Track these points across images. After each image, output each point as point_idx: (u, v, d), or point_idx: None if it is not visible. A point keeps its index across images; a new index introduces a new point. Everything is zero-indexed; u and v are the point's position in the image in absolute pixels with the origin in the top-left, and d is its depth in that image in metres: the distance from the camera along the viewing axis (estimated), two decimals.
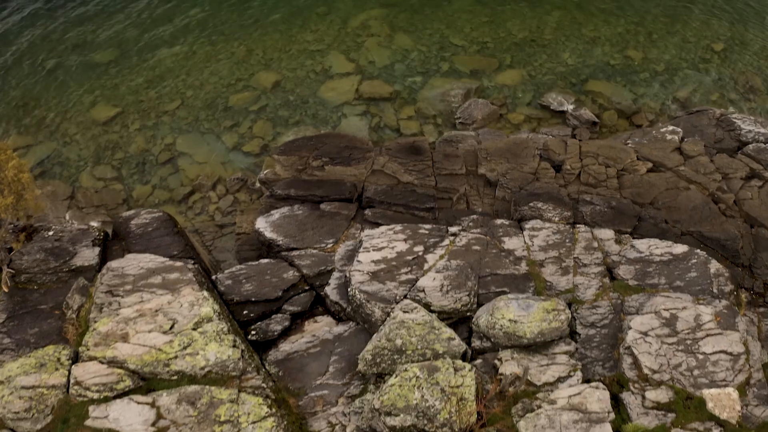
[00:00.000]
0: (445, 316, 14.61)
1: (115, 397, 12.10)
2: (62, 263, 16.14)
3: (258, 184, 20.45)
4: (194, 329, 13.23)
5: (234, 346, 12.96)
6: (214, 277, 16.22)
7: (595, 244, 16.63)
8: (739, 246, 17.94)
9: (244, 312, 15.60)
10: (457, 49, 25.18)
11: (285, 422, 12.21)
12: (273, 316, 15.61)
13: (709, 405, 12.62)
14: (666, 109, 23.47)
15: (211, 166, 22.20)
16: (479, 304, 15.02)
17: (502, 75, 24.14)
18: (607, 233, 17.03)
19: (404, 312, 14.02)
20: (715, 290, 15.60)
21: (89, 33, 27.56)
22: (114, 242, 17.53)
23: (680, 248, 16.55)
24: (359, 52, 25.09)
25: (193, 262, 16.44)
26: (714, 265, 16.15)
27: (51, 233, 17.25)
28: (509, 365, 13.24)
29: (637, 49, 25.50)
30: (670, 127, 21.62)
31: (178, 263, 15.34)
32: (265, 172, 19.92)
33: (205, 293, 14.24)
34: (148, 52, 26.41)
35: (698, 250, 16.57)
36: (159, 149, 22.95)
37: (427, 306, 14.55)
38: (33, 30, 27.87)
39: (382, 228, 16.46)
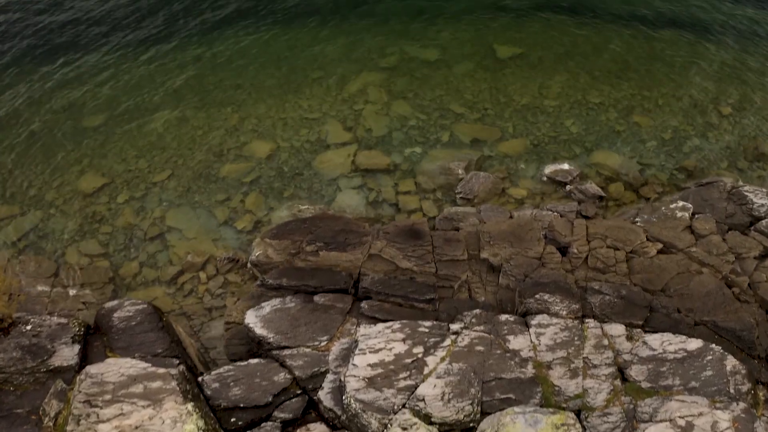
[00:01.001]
0: (446, 428, 13.64)
1: None
2: (40, 363, 15.29)
3: (249, 266, 19.51)
4: None
5: None
6: (200, 379, 15.22)
7: (606, 342, 15.68)
8: (755, 336, 17.04)
9: (232, 419, 14.62)
10: (458, 116, 24.37)
11: None
12: (263, 425, 14.64)
13: None
14: (674, 180, 22.61)
15: (202, 243, 21.26)
16: (483, 413, 14.04)
17: (504, 145, 23.32)
18: (617, 329, 16.07)
19: (403, 429, 13.06)
20: (732, 390, 14.65)
21: (77, 94, 26.75)
22: (96, 336, 16.62)
23: (694, 344, 15.61)
24: (356, 120, 24.30)
25: (178, 362, 15.51)
26: (730, 362, 15.22)
27: (29, 327, 16.37)
28: None
29: (643, 114, 24.72)
30: (680, 203, 20.76)
31: (161, 370, 14.37)
32: (256, 254, 19.02)
33: (189, 407, 13.31)
34: (138, 116, 25.59)
35: (713, 345, 15.64)
36: (147, 223, 22.02)
37: (428, 417, 13.61)
38: (18, 89, 27.07)
39: (379, 326, 15.52)
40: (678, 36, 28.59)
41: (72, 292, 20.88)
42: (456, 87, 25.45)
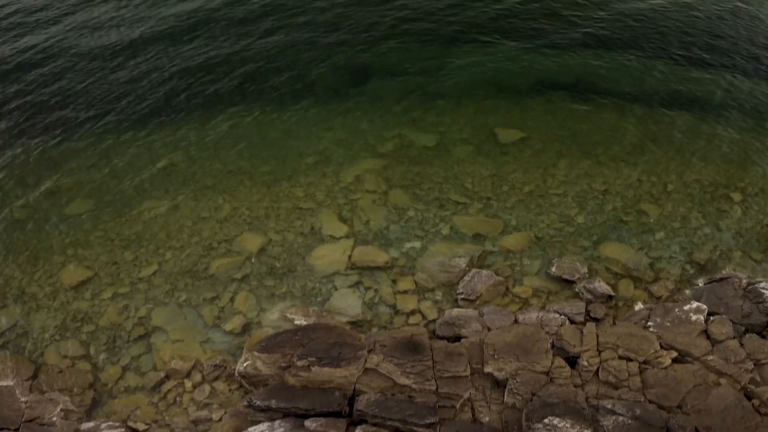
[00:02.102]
0: None
1: None
2: None
3: (237, 375, 18.29)
4: None
5: None
6: None
7: None
8: None
9: None
10: (458, 207, 23.33)
11: None
12: None
13: None
14: (686, 275, 21.49)
15: (188, 346, 20.08)
16: None
17: (507, 239, 22.24)
18: None
19: None
20: None
21: (63, 177, 25.74)
22: None
23: None
24: (352, 211, 23.26)
25: None
26: None
27: None
28: None
29: (650, 202, 23.70)
30: (694, 304, 19.65)
31: None
32: (245, 365, 17.85)
33: None
34: (125, 203, 24.59)
35: None
36: (132, 323, 20.86)
37: None
38: (3, 170, 26.05)
39: None
40: (683, 115, 27.74)
41: (51, 397, 19.68)
42: (456, 174, 24.46)
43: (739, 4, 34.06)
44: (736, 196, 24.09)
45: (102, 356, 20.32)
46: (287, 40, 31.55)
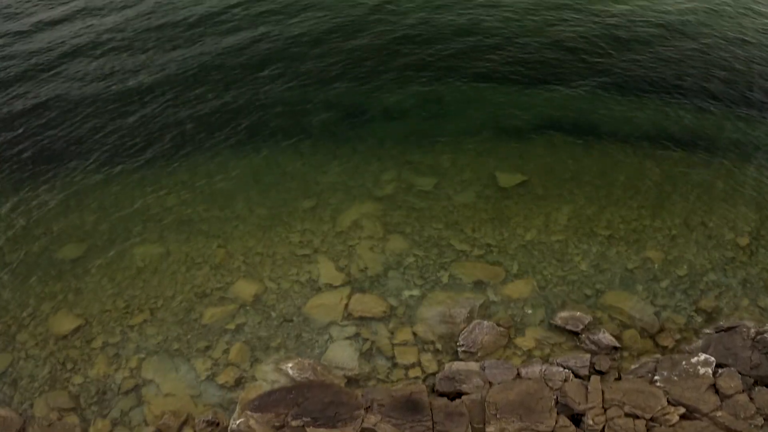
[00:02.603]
0: None
1: None
2: None
3: None
4: None
5: None
6: None
7: None
8: None
9: None
10: (458, 254, 22.78)
11: None
12: None
13: None
14: (692, 323, 20.93)
15: (180, 400, 19.47)
16: None
17: (508, 287, 21.67)
18: None
19: None
20: None
21: (55, 222, 25.20)
22: None
23: None
24: (349, 258, 22.70)
25: None
26: None
27: None
28: None
29: (655, 248, 23.17)
30: (702, 357, 19.12)
31: None
32: (237, 423, 17.29)
33: None
34: (117, 248, 24.05)
35: None
36: (122, 375, 20.27)
37: None
38: None
39: None
40: (688, 156, 27.28)
41: None
42: (456, 219, 23.94)
43: (755, 51, 33.68)
44: (742, 241, 23.58)
45: (91, 409, 19.71)
46: (284, 84, 31.15)
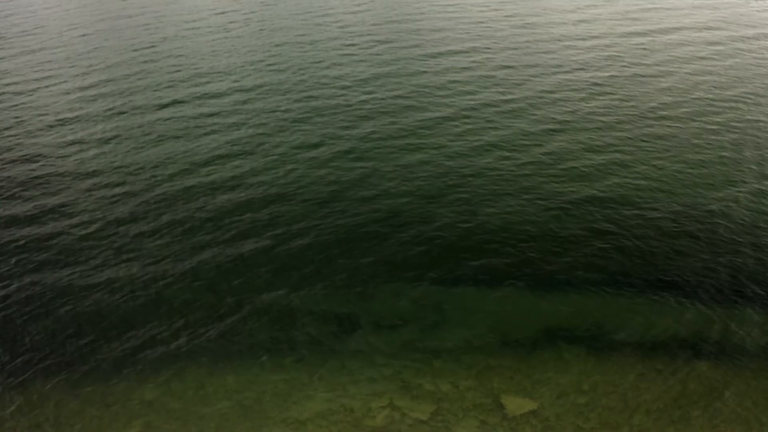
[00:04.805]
0: None
1: None
2: None
3: None
4: None
5: None
6: None
7: None
8: None
9: None
10: None
11: None
12: None
13: None
14: None
15: None
16: None
17: None
18: None
19: None
20: None
21: None
22: None
23: None
24: None
25: None
26: None
27: None
28: None
29: None
30: None
31: None
32: None
33: None
34: None
35: None
36: None
37: None
38: None
39: None
40: (713, 369, 24.24)
41: None
42: None
43: None
44: None
45: None
46: (264, 281, 28.77)
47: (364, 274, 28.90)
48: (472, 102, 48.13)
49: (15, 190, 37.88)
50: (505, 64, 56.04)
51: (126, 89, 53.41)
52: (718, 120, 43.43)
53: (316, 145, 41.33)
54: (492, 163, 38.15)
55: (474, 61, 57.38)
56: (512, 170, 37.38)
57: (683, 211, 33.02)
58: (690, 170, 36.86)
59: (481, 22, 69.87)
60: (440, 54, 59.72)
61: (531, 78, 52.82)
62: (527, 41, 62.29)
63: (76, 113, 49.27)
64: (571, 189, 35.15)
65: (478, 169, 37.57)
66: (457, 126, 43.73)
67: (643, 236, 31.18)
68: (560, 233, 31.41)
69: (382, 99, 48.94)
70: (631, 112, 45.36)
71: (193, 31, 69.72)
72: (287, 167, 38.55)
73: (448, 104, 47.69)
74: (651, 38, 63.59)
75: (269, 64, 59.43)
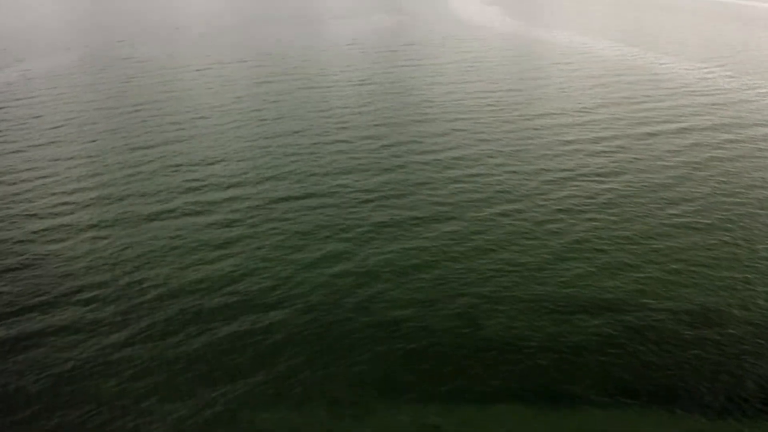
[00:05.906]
0: None
1: None
2: None
3: None
4: None
5: None
6: None
7: None
8: None
9: None
10: None
11: None
12: None
13: None
14: None
15: None
16: None
17: None
18: None
19: None
20: None
21: None
22: None
23: None
24: None
25: None
26: None
27: None
28: None
29: None
30: None
31: None
32: None
33: None
34: None
35: None
36: None
37: None
38: None
39: None
40: None
41: None
42: None
43: None
44: None
45: None
46: (260, 397, 27.16)
47: (357, 397, 27.31)
48: (479, 203, 47.27)
49: None
50: (511, 169, 55.05)
51: (116, 195, 52.13)
52: (733, 229, 42.61)
53: (311, 250, 40.14)
54: (490, 264, 37.04)
55: (481, 164, 56.53)
56: (515, 272, 36.28)
57: (695, 312, 31.88)
58: (703, 270, 35.91)
59: (489, 124, 69.35)
60: (449, 159, 58.60)
61: (538, 185, 51.93)
62: (535, 145, 61.57)
63: (65, 218, 48.19)
64: (574, 293, 33.98)
65: (479, 273, 36.40)
66: (458, 229, 42.75)
67: (651, 341, 29.95)
68: (564, 342, 30.13)
69: (385, 211, 47.85)
70: (641, 226, 44.30)
71: (191, 130, 69.31)
72: (279, 272, 37.22)
73: (454, 216, 46.60)
74: (665, 138, 63.23)
75: (266, 172, 58.53)
